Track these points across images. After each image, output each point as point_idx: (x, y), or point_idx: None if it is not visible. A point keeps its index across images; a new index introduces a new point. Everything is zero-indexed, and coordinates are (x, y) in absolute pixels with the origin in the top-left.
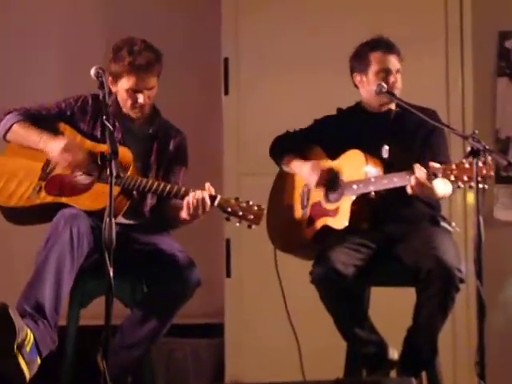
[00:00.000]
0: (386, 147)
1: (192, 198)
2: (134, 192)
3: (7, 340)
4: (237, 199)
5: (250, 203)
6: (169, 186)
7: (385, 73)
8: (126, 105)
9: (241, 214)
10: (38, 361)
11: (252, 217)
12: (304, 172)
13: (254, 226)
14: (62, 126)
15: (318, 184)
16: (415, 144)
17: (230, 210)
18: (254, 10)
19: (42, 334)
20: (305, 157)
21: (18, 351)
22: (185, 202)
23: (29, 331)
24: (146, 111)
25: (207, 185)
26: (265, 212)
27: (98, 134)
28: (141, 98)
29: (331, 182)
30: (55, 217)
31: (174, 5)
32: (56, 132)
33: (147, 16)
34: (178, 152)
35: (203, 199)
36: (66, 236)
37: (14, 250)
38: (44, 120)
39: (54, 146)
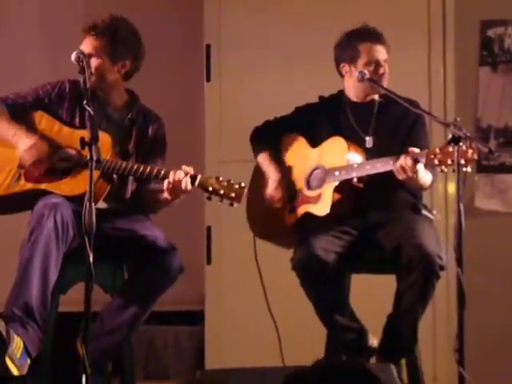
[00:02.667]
0: (368, 138)
1: (172, 177)
2: (115, 176)
3: None
4: (217, 178)
5: (231, 181)
6: (149, 168)
7: (375, 64)
8: None
9: (222, 192)
10: (28, 362)
11: (233, 195)
12: (270, 183)
13: (235, 204)
14: (39, 114)
15: (276, 203)
16: (397, 134)
17: (211, 188)
18: None
19: (31, 337)
20: (280, 145)
21: (8, 359)
22: (165, 181)
23: (18, 339)
24: (87, 90)
25: (183, 167)
26: (245, 190)
27: (77, 119)
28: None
29: (289, 201)
30: (37, 205)
31: None
32: (31, 123)
33: (130, 1)
34: (157, 138)
35: (184, 178)
36: (51, 225)
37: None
38: (20, 109)
39: (21, 144)
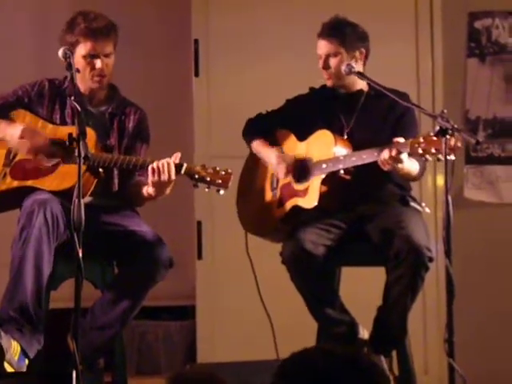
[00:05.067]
0: (354, 129)
1: (156, 163)
2: (101, 170)
3: None
4: (203, 165)
5: (217, 168)
6: (134, 159)
7: (319, 58)
8: (84, 76)
9: (208, 179)
10: (27, 362)
11: (220, 181)
12: (271, 162)
13: (222, 191)
14: (22, 112)
15: (285, 176)
16: (385, 126)
17: (197, 176)
18: None
19: (29, 340)
20: (276, 140)
21: (7, 364)
22: (149, 168)
23: (15, 344)
24: (105, 82)
25: (176, 154)
26: (232, 176)
27: (58, 117)
28: (98, 63)
29: (299, 171)
30: (25, 202)
31: None
32: (12, 120)
33: None
34: (138, 129)
35: (168, 164)
36: (41, 221)
37: None
38: (1, 109)
39: (11, 133)
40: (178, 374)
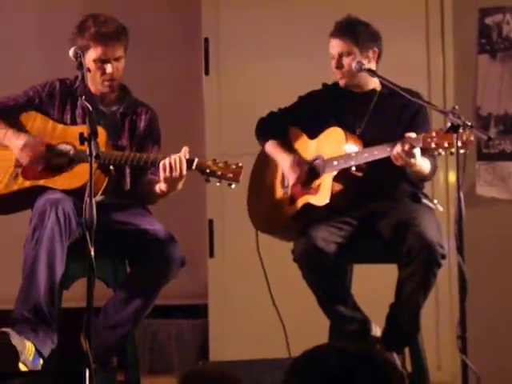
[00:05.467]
0: (366, 128)
1: (168, 159)
2: (112, 168)
3: (12, 363)
4: (214, 160)
5: (228, 162)
6: (145, 156)
7: (332, 58)
8: (94, 79)
9: (220, 173)
10: (41, 362)
11: (231, 175)
12: (284, 166)
13: (233, 185)
14: (33, 114)
15: (295, 183)
16: (398, 126)
17: (208, 170)
18: None
19: (42, 340)
20: (288, 138)
21: (22, 365)
22: (161, 164)
23: (29, 344)
24: (116, 85)
25: (184, 148)
26: (243, 170)
27: (68, 117)
28: (109, 68)
29: (308, 178)
30: (37, 202)
31: None
32: (21, 124)
33: None
34: (149, 129)
35: (179, 159)
36: (53, 221)
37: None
38: (12, 111)
39: (15, 144)
40: (190, 372)
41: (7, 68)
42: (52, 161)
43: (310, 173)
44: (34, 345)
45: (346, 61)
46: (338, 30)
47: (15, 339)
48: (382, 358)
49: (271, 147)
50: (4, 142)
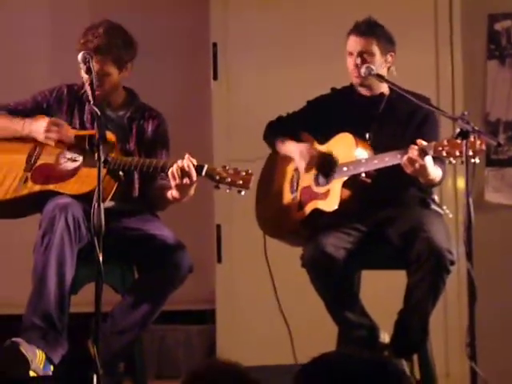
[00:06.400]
0: (375, 133)
1: (176, 166)
2: (121, 173)
3: (23, 372)
4: (224, 167)
5: (238, 169)
6: (155, 161)
7: (349, 55)
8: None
9: (229, 180)
10: (52, 368)
11: (241, 182)
12: (295, 155)
13: (243, 192)
14: (41, 118)
15: (306, 169)
16: (407, 131)
17: (218, 177)
18: None
19: (53, 347)
20: (298, 141)
21: (33, 373)
22: (170, 172)
23: (40, 353)
24: (108, 96)
25: (187, 156)
26: (253, 177)
27: (77, 122)
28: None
29: (323, 166)
30: (46, 206)
31: None
32: None
33: (135, 1)
34: (157, 134)
35: (188, 166)
36: (63, 226)
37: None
38: (20, 115)
39: (37, 127)
40: (200, 366)
41: (16, 74)
42: (75, 145)
43: (322, 162)
44: (45, 353)
45: (366, 60)
46: (360, 28)
47: (26, 348)
48: (393, 365)
49: (281, 142)
50: (24, 131)
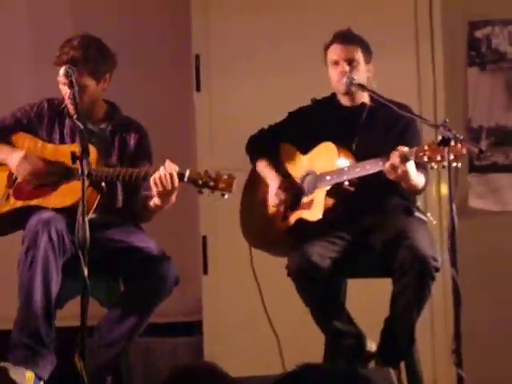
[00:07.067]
0: (357, 142)
1: (158, 173)
2: (103, 184)
3: None
4: (206, 171)
5: (220, 173)
6: (136, 170)
7: (334, 64)
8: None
9: (212, 184)
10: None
11: (223, 185)
12: (270, 189)
13: (226, 195)
14: (21, 135)
15: (275, 207)
16: (389, 139)
17: (200, 182)
18: (224, 7)
19: (42, 365)
20: (279, 154)
21: None
22: (152, 179)
23: (28, 373)
24: (88, 109)
25: (167, 161)
26: (235, 180)
27: (57, 137)
28: (64, 90)
29: (294, 202)
30: (29, 222)
31: (144, 0)
32: (12, 144)
33: (118, 11)
34: (140, 147)
35: (170, 173)
36: (46, 240)
37: None
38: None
39: (13, 158)
40: (180, 367)
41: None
42: (43, 179)
43: (294, 198)
44: (34, 372)
45: (355, 67)
46: (343, 37)
47: (14, 372)
48: (366, 378)
49: (261, 167)
50: (0, 158)
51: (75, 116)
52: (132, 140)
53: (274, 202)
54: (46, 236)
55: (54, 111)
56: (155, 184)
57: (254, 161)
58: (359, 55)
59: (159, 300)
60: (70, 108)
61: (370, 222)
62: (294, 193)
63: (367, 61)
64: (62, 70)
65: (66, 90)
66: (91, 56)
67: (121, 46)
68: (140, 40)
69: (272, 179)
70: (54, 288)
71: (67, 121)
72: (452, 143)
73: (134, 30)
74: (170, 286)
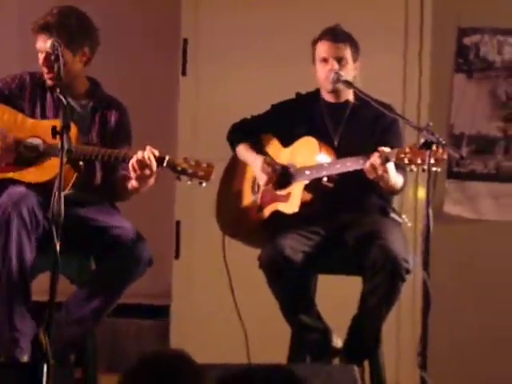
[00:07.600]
0: (339, 139)
1: (136, 157)
2: (81, 163)
3: None
4: (185, 158)
5: (199, 161)
6: (115, 151)
7: (323, 61)
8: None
9: (190, 171)
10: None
11: (202, 173)
12: (255, 168)
13: (204, 184)
14: (1, 108)
15: (266, 184)
16: (371, 138)
17: (179, 168)
18: None
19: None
20: (261, 144)
21: None
22: (130, 163)
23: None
24: (70, 84)
25: (148, 147)
26: (214, 169)
27: (38, 111)
28: (40, 59)
29: (281, 181)
30: (1, 197)
31: None
32: None
33: None
34: (120, 126)
35: (149, 158)
36: (17, 222)
37: None
38: None
39: None
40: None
41: None
42: (21, 155)
43: (281, 175)
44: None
45: (344, 65)
46: (333, 34)
47: None
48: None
49: (243, 150)
50: None
51: (58, 90)
52: (113, 117)
53: (263, 179)
54: (18, 218)
55: (35, 84)
56: (133, 167)
57: (234, 146)
58: (348, 53)
59: (131, 280)
60: (47, 78)
61: (347, 220)
62: (280, 172)
63: (355, 59)
64: (48, 43)
65: (42, 59)
66: (67, 24)
67: (108, 25)
68: (128, 22)
69: (255, 158)
70: (29, 263)
71: (48, 95)
72: (434, 147)
73: (122, 11)
74: (144, 267)
